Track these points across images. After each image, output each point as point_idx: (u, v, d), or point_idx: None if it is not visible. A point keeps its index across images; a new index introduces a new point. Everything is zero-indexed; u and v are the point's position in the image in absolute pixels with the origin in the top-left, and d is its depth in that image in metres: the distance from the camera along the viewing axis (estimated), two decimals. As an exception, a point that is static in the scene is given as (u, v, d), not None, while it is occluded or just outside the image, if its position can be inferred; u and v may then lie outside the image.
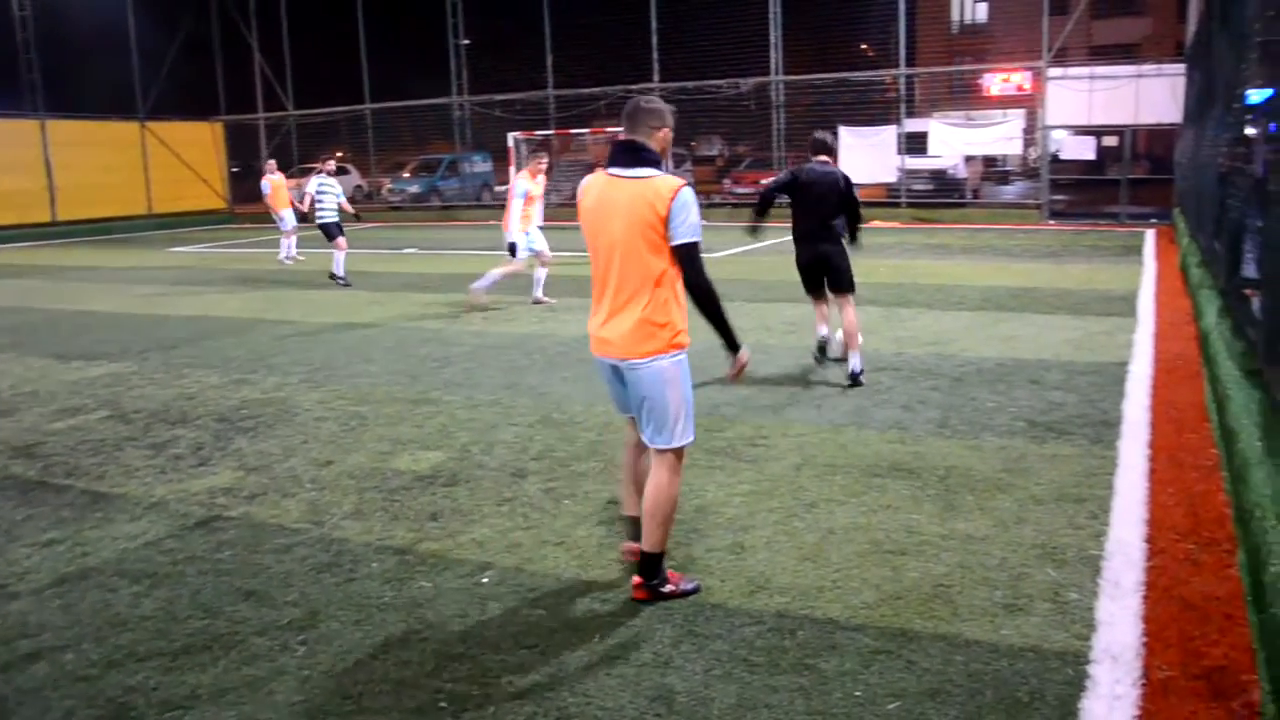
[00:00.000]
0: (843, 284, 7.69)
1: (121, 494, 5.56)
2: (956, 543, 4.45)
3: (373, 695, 3.35)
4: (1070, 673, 3.33)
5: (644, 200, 3.71)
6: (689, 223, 3.72)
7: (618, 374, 3.97)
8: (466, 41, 30.33)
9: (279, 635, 3.81)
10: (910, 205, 24.24)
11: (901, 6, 23.68)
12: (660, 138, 3.88)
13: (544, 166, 11.88)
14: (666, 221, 3.70)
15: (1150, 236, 18.38)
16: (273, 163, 19.46)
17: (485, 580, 4.24)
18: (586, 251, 4.01)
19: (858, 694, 3.25)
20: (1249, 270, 7.37)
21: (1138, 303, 10.87)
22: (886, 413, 6.66)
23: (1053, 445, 5.83)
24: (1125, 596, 3.87)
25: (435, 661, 3.56)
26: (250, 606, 4.07)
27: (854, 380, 7.35)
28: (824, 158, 7.65)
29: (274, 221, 19.32)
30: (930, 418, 6.51)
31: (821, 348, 8.18)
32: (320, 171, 15.20)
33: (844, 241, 7.71)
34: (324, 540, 4.76)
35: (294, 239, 18.66)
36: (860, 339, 7.65)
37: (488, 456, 6.01)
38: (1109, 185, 23.10)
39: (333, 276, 14.76)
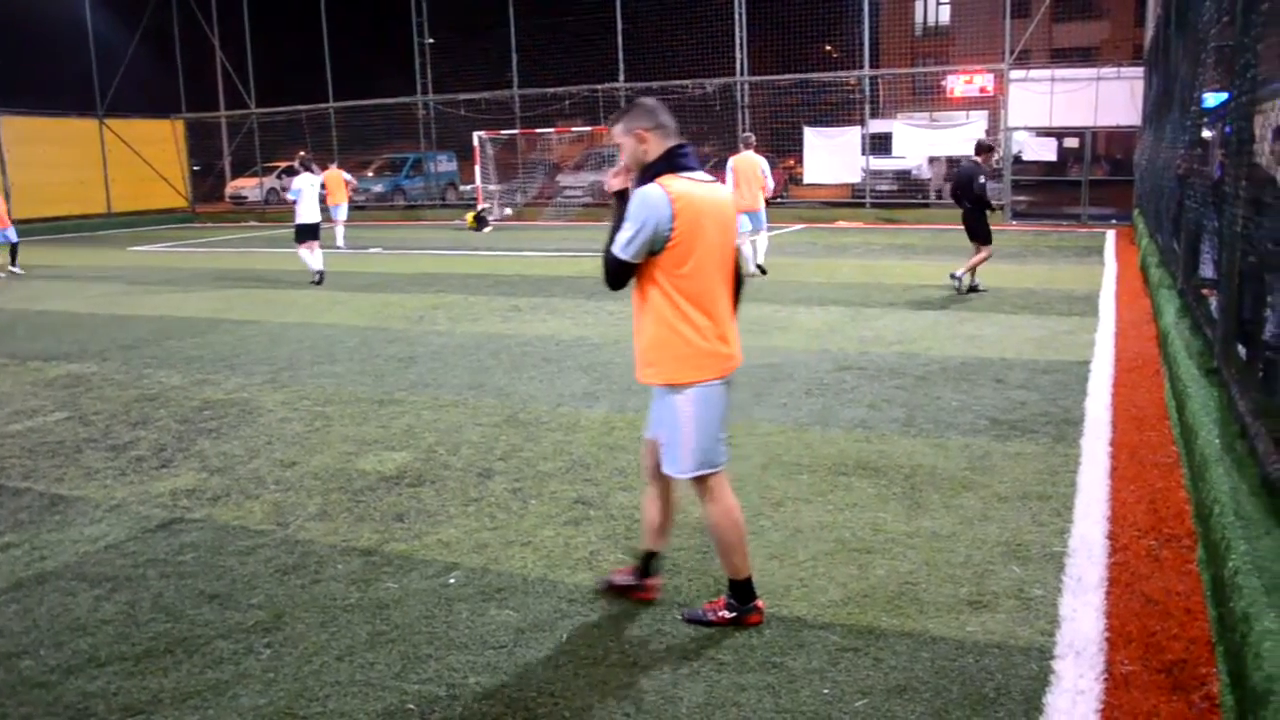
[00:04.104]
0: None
1: (81, 496, 5.47)
2: (922, 540, 4.48)
3: (339, 698, 3.32)
4: (1035, 668, 3.37)
5: (731, 207, 3.79)
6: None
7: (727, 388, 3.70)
8: (431, 40, 30.15)
9: (243, 638, 3.76)
10: (875, 205, 24.42)
11: (865, 8, 23.87)
12: None
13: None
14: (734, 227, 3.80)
15: (1111, 237, 18.64)
16: (334, 164, 21.84)
17: (452, 581, 4.22)
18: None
19: (825, 692, 3.27)
20: (1206, 270, 7.48)
21: (1099, 302, 11.02)
22: (852, 412, 6.70)
23: (1016, 443, 5.89)
24: (1088, 592, 3.92)
25: (402, 663, 3.54)
26: (213, 609, 4.02)
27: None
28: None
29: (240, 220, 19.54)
30: (895, 416, 6.56)
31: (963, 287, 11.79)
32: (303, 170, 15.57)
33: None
34: (288, 542, 4.71)
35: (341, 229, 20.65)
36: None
37: (454, 457, 5.97)
38: (1070, 186, 23.39)
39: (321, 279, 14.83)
